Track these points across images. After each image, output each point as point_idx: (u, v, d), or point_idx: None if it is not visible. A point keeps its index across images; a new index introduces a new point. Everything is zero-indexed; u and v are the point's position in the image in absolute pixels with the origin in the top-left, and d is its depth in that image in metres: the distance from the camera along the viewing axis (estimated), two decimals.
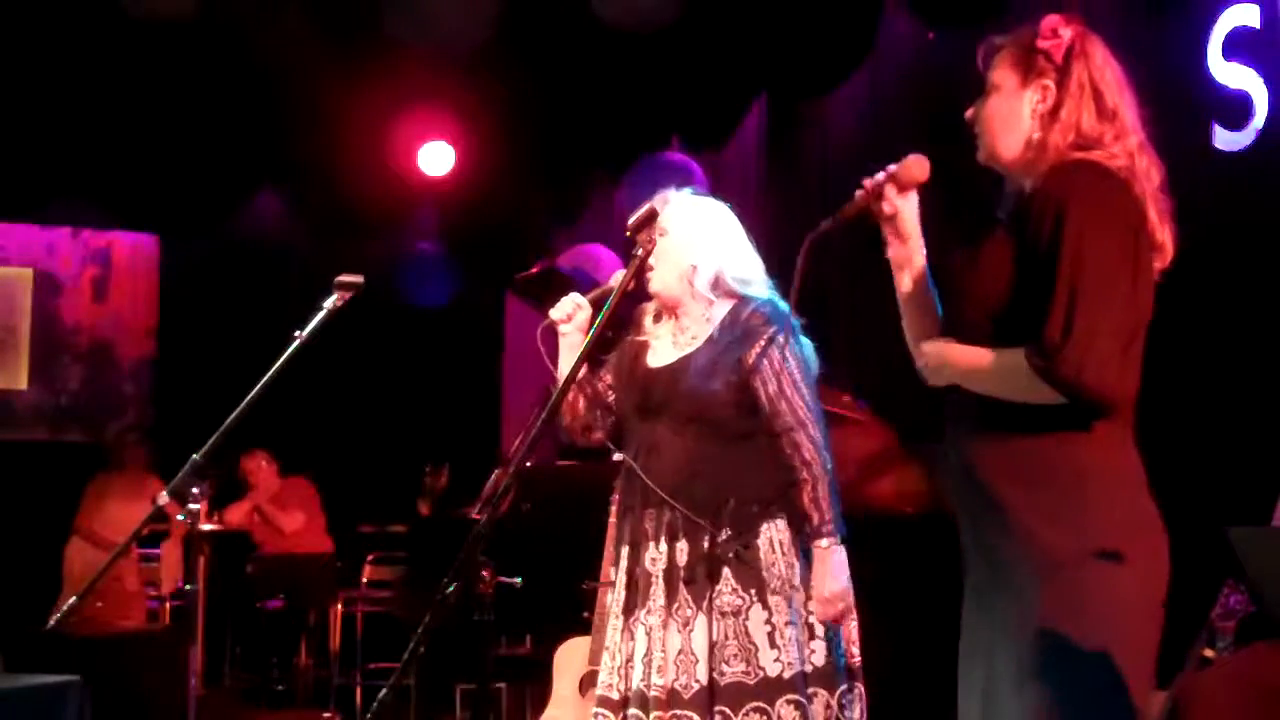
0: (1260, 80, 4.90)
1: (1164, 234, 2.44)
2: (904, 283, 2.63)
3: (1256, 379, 4.76)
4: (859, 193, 2.60)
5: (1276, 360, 4.69)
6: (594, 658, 3.86)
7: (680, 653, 3.24)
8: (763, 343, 3.29)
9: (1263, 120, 4.88)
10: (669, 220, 3.39)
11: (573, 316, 3.41)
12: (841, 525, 3.27)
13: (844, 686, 3.30)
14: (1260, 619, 3.83)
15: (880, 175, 2.59)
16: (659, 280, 3.40)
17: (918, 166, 2.58)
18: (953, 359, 2.46)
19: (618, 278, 3.42)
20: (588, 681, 3.94)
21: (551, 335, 3.42)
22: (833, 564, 3.23)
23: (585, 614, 4.27)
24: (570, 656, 4.14)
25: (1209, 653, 3.86)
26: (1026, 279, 2.35)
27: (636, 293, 3.45)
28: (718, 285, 3.38)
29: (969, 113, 2.56)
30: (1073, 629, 2.30)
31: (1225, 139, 4.96)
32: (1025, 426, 2.37)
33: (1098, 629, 2.31)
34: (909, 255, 2.61)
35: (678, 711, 3.21)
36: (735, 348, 3.31)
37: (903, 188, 2.58)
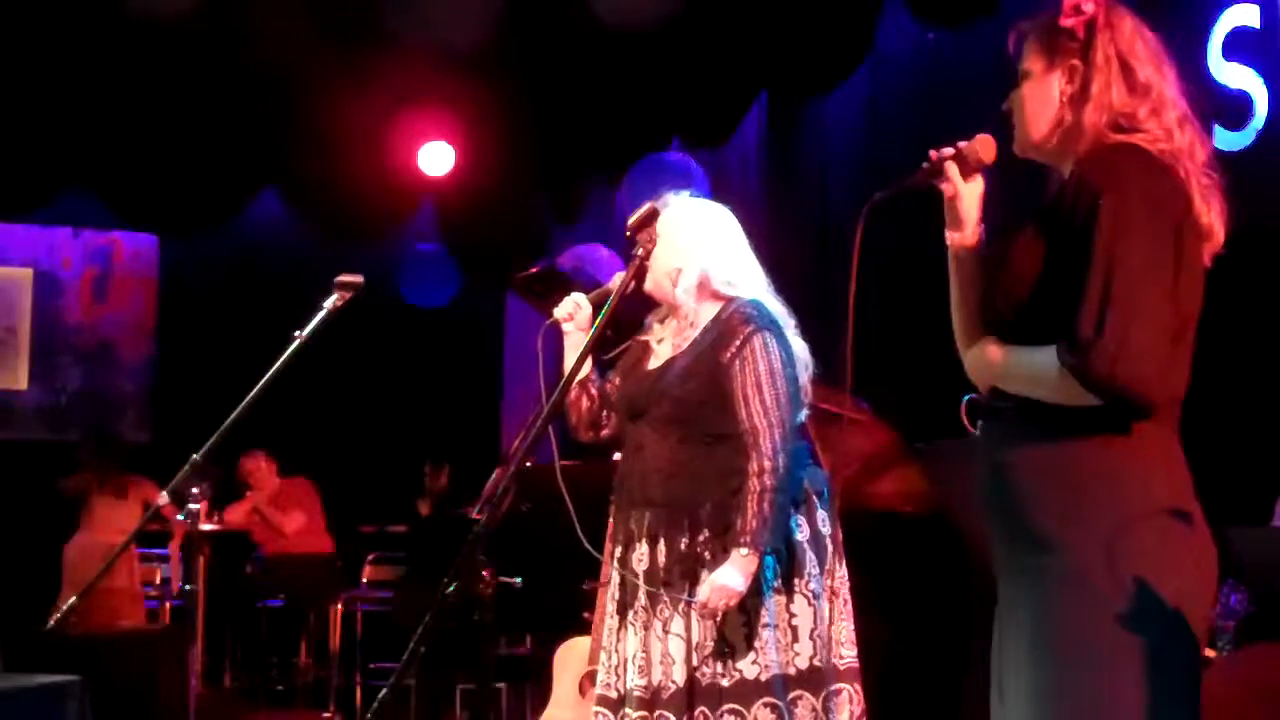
0: (1260, 80, 4.90)
1: (1211, 216, 2.31)
2: (954, 268, 2.48)
3: (1256, 379, 4.76)
4: (924, 165, 2.47)
5: (1276, 360, 4.69)
6: (594, 658, 3.86)
7: (663, 653, 3.25)
8: (738, 343, 3.29)
9: (1263, 120, 4.89)
10: (662, 223, 3.40)
11: (574, 315, 3.44)
12: (771, 540, 3.19)
13: (830, 689, 3.28)
14: (1260, 619, 3.83)
15: (947, 150, 2.45)
16: (651, 281, 3.42)
17: (984, 147, 2.44)
18: (990, 359, 2.35)
19: (619, 278, 3.43)
20: (588, 681, 3.94)
21: (553, 335, 3.44)
22: (741, 565, 3.17)
23: (585, 614, 4.27)
24: (570, 656, 4.14)
25: (1209, 653, 3.86)
26: (1059, 272, 2.22)
27: (636, 293, 3.46)
28: (703, 288, 3.40)
29: (1005, 104, 2.44)
30: (1104, 636, 2.16)
31: (1225, 139, 4.97)
32: (1062, 430, 2.22)
33: (1144, 634, 2.16)
34: (962, 240, 2.46)
35: (660, 712, 3.22)
36: (713, 349, 3.32)
37: (967, 169, 2.44)
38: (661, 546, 3.30)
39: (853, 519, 3.50)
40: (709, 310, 3.40)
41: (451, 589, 2.52)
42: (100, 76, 7.68)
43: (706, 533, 3.26)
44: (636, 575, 3.32)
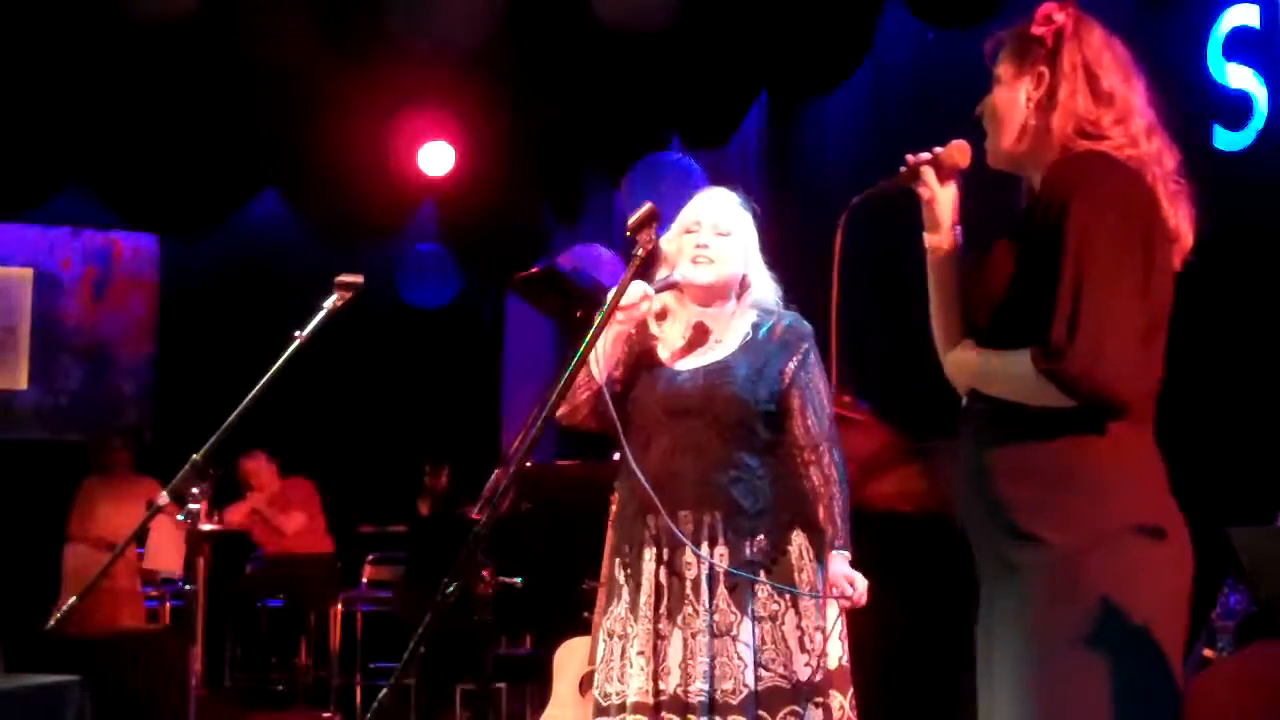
0: (1260, 80, 4.90)
1: (1179, 220, 2.37)
2: (932, 270, 2.55)
3: (1257, 379, 4.76)
4: (901, 170, 2.54)
5: (1277, 360, 4.69)
6: (594, 658, 3.86)
7: (721, 657, 3.25)
8: (800, 357, 3.35)
9: (1263, 120, 4.89)
10: (732, 221, 3.39)
11: (638, 306, 3.30)
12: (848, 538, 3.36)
13: (852, 689, 3.35)
14: (1260, 619, 3.84)
15: (924, 155, 2.53)
16: (716, 273, 3.37)
17: (959, 152, 2.52)
18: (968, 363, 2.42)
19: (665, 275, 3.39)
20: (587, 681, 3.94)
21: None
22: (847, 561, 3.35)
23: (585, 614, 4.27)
24: (570, 656, 4.14)
25: (1209, 653, 3.86)
26: (1031, 278, 2.28)
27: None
28: (757, 295, 3.44)
29: (978, 110, 2.51)
30: (1092, 634, 2.21)
31: (1225, 139, 4.97)
32: (1041, 430, 2.28)
33: (1120, 636, 2.23)
34: (939, 243, 2.53)
35: (718, 718, 3.22)
36: (776, 359, 3.34)
37: (943, 173, 2.52)
38: (722, 549, 3.29)
39: (853, 519, 3.50)
40: (747, 316, 3.42)
41: (451, 589, 2.52)
42: (100, 76, 7.68)
43: (764, 538, 3.28)
44: (686, 580, 3.31)
